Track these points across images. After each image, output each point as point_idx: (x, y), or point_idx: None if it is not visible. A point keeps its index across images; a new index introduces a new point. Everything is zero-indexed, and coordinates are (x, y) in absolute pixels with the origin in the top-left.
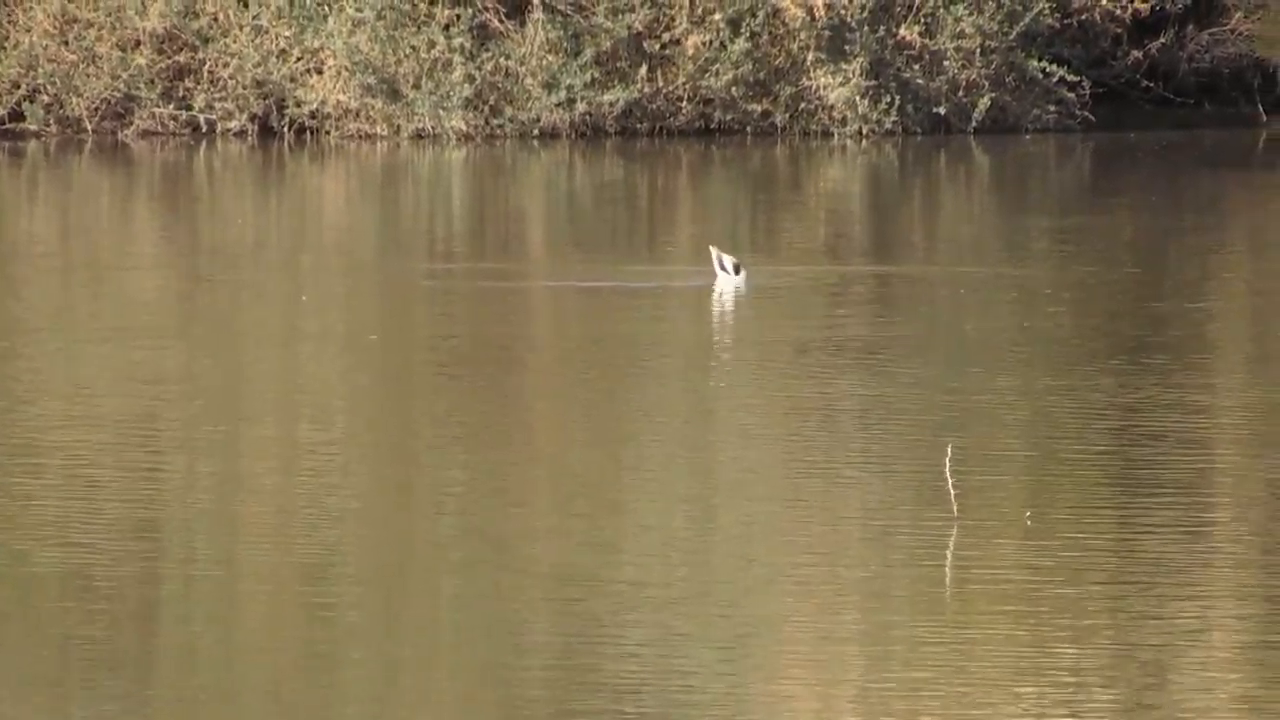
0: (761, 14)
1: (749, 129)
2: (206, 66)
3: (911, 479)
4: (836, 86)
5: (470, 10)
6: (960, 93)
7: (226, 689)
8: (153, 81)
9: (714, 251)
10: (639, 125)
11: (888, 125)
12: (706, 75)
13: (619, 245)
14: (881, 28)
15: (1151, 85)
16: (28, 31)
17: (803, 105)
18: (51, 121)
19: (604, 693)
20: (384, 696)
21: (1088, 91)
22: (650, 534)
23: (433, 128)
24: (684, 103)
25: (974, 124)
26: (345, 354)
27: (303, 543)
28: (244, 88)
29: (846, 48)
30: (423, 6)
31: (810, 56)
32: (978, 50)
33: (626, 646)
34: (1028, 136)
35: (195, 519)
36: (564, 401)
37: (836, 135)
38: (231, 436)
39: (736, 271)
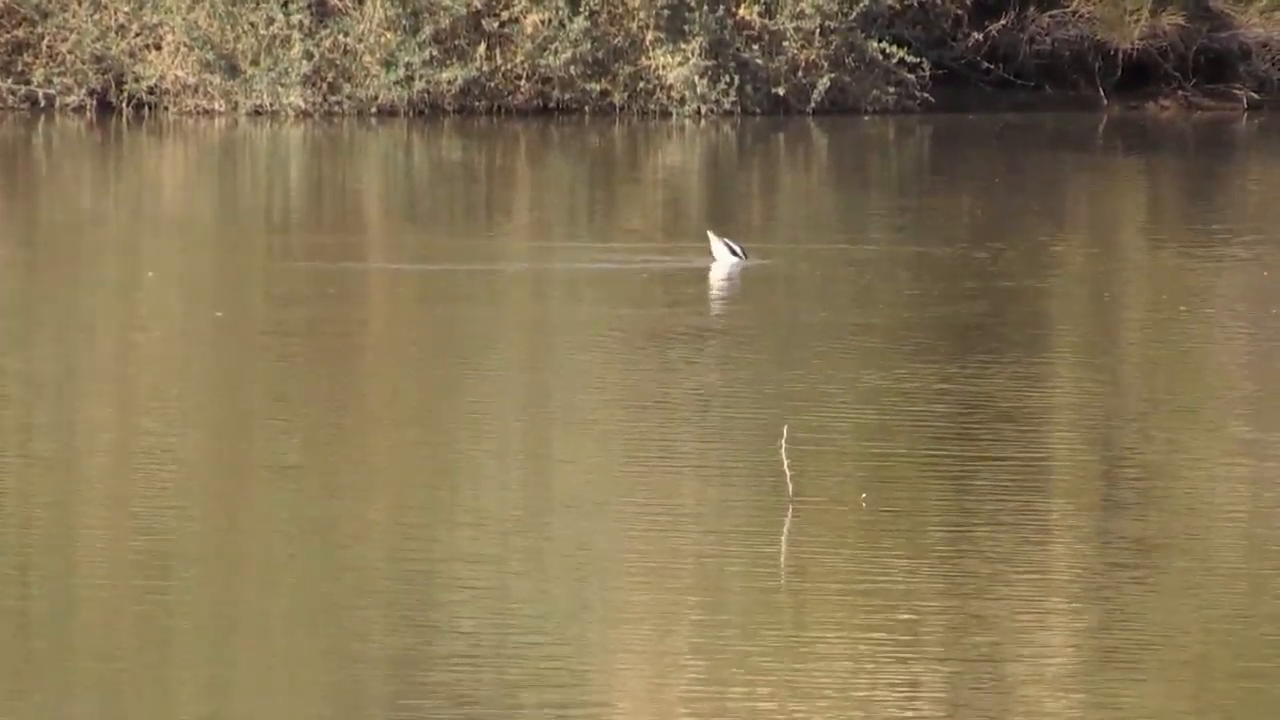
0: None
1: (587, 108)
2: (45, 41)
3: (748, 462)
4: (675, 66)
5: None
6: (799, 73)
7: (58, 682)
8: None
9: (711, 236)
10: (477, 104)
11: (726, 105)
12: (545, 54)
13: (456, 226)
14: (721, 7)
15: (992, 67)
16: None
17: (641, 85)
18: None
19: (438, 677)
20: (221, 676)
21: (928, 73)
22: (485, 516)
23: (271, 104)
24: (522, 81)
25: (813, 105)
26: (186, 332)
27: (136, 525)
28: (83, 63)
29: (685, 27)
30: None
31: (649, 36)
32: (817, 31)
33: (461, 630)
34: (867, 118)
35: (29, 498)
36: (400, 386)
37: (675, 115)
38: (69, 416)
39: (743, 255)
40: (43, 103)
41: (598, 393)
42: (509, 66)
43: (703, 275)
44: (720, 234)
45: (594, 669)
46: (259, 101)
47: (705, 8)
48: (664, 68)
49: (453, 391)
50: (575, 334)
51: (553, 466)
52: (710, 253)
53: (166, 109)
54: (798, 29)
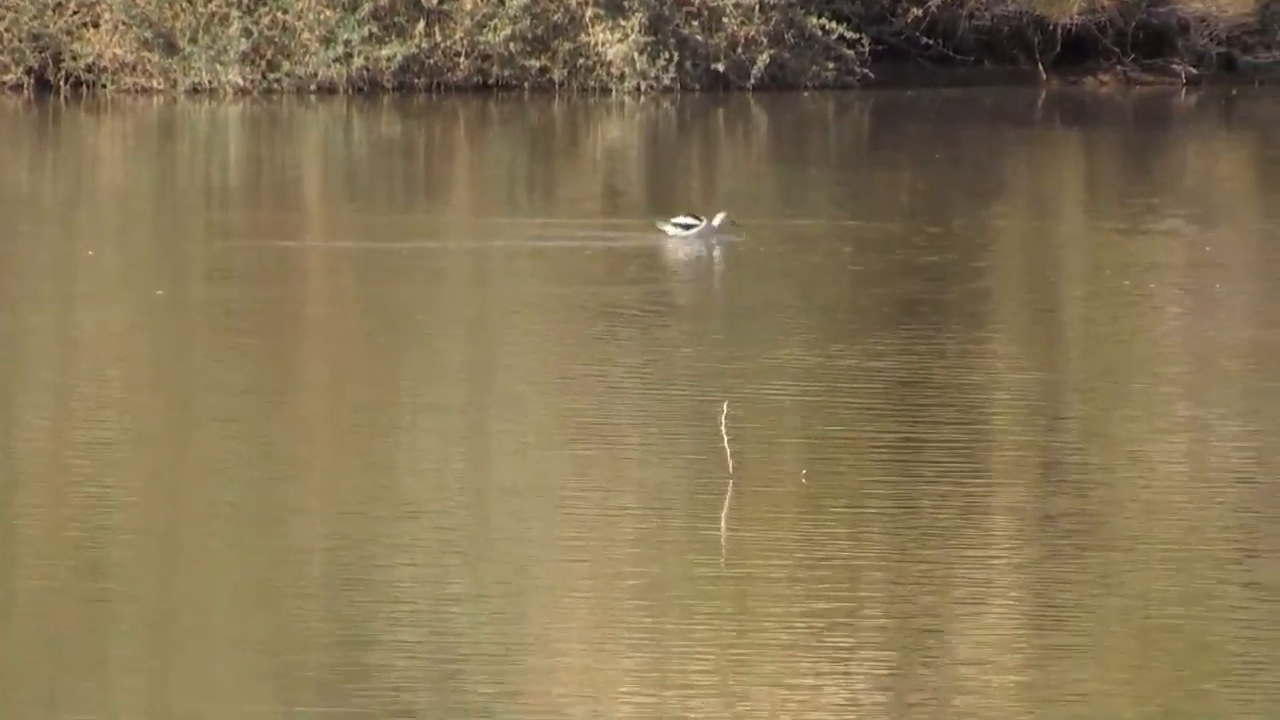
0: None
1: (527, 85)
2: None
3: (688, 439)
4: (615, 43)
5: None
6: (739, 49)
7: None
8: None
9: (662, 226)
10: (417, 81)
11: (666, 82)
12: (484, 31)
13: (396, 203)
14: None
15: (931, 43)
16: None
17: (581, 61)
18: None
19: (379, 658)
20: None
21: (867, 49)
22: (426, 496)
23: (209, 82)
24: (462, 58)
25: (753, 81)
26: (126, 311)
27: (74, 509)
28: (20, 41)
29: (625, 4)
30: None
31: (589, 12)
32: (756, 7)
33: (400, 612)
34: (806, 93)
35: None
36: (341, 366)
37: (615, 92)
38: (6, 393)
39: (702, 221)
40: None
41: (538, 371)
42: (448, 43)
43: (643, 252)
44: (667, 219)
45: (534, 647)
46: (197, 79)
47: None
48: (603, 44)
49: (393, 371)
50: (516, 312)
51: (493, 445)
52: (670, 236)
53: (105, 87)
54: (737, 5)
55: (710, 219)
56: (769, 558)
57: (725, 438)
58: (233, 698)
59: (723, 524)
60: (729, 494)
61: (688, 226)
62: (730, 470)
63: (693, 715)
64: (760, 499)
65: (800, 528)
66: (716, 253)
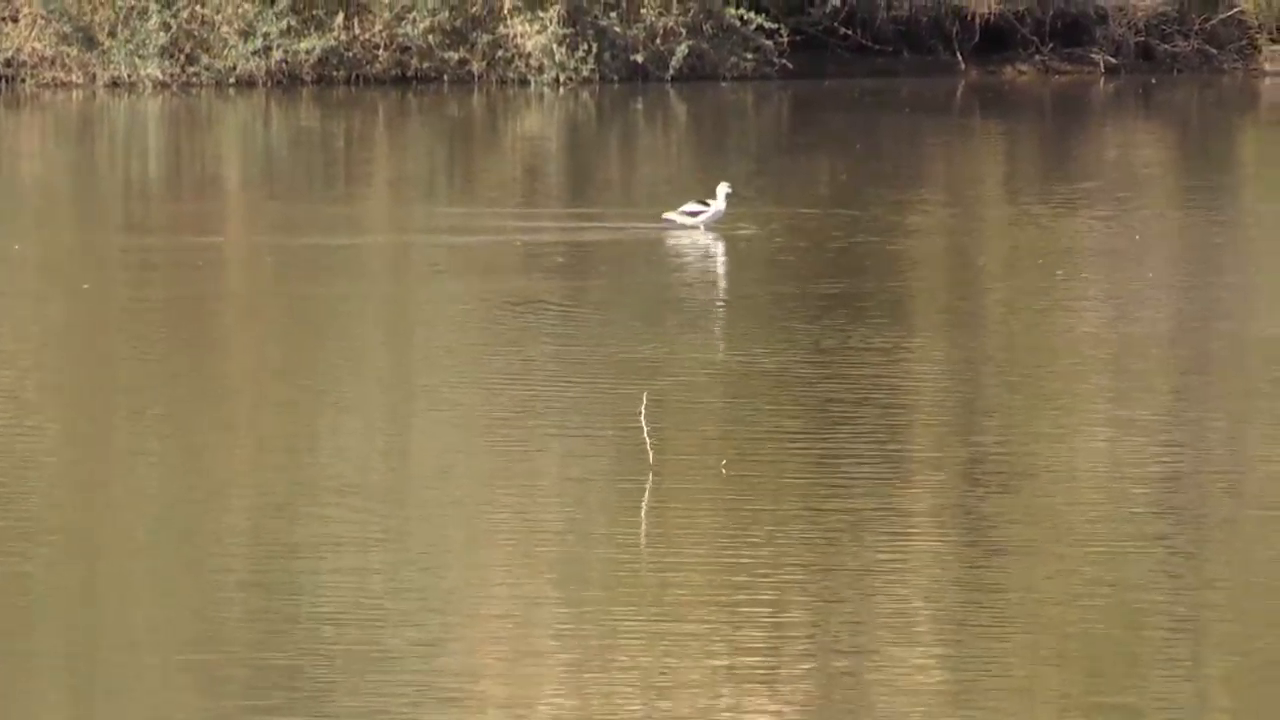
0: None
1: (446, 77)
2: None
3: (609, 431)
4: (534, 34)
5: None
6: (658, 40)
7: None
8: None
9: (669, 216)
10: (336, 73)
11: (585, 73)
12: (403, 23)
13: (316, 197)
14: None
15: (850, 33)
16: None
17: (500, 53)
18: None
19: (302, 648)
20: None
21: (785, 39)
22: (348, 489)
23: (129, 76)
24: (381, 51)
25: (671, 72)
26: (53, 305)
27: None
28: None
29: None
30: None
31: (507, 4)
32: None
33: (323, 604)
34: (725, 84)
35: None
36: (263, 358)
37: (534, 83)
38: None
39: (706, 206)
40: None
41: (459, 364)
42: (367, 36)
43: (564, 244)
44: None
45: (456, 636)
46: (117, 73)
47: None
48: (522, 36)
49: (315, 364)
50: (437, 305)
51: (415, 439)
52: (684, 228)
53: (24, 81)
54: None
55: (715, 201)
56: (689, 546)
57: (645, 428)
58: (155, 685)
59: (643, 512)
60: (649, 484)
61: (695, 214)
62: (650, 461)
63: (613, 705)
64: (680, 489)
65: (720, 517)
66: (720, 245)
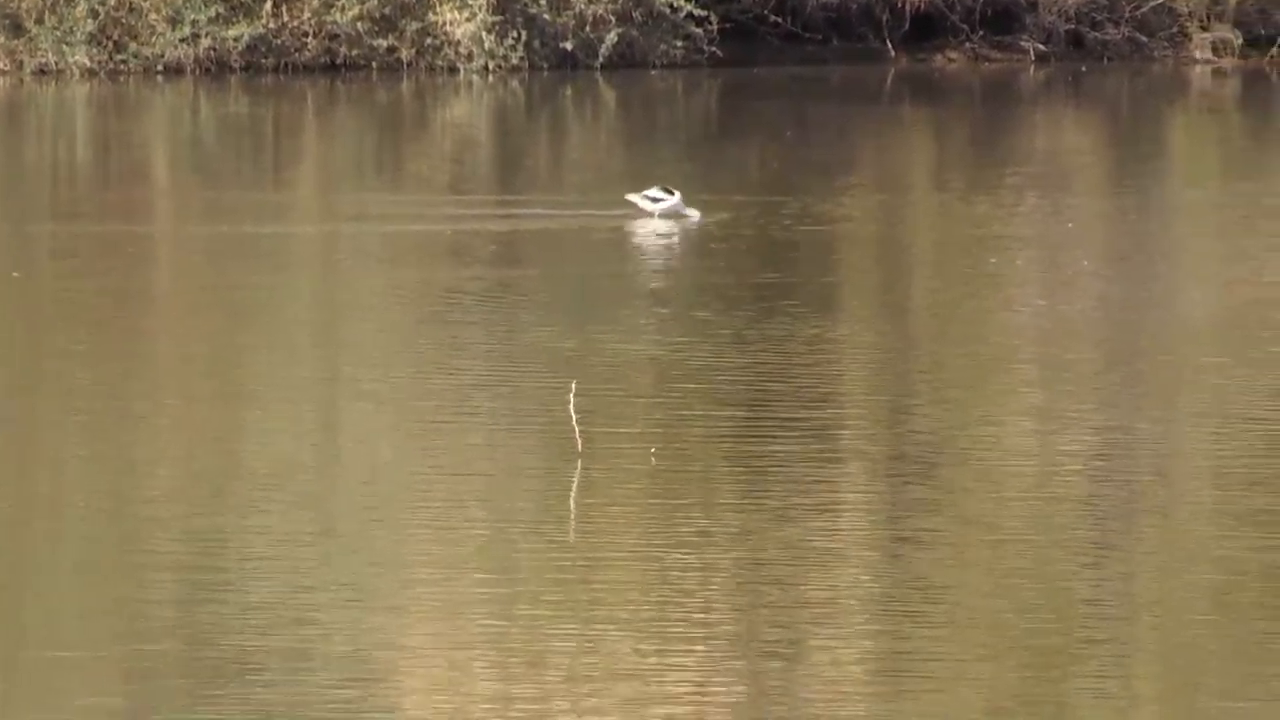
0: None
1: (375, 65)
2: None
3: (538, 420)
4: (463, 22)
5: None
6: (587, 28)
7: None
8: None
9: (631, 198)
10: (264, 61)
11: (514, 61)
12: (332, 10)
13: (245, 185)
14: None
15: (780, 20)
16: None
17: (429, 41)
18: None
19: (231, 642)
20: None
21: (715, 26)
22: (276, 481)
23: (56, 63)
24: (309, 38)
25: (601, 59)
26: None
27: None
28: None
29: None
30: None
31: None
32: None
33: (250, 597)
34: (655, 72)
35: None
36: (190, 349)
37: (463, 71)
38: None
39: (670, 195)
40: None
41: (388, 353)
42: (296, 24)
43: (493, 233)
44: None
45: (382, 627)
46: (44, 60)
47: None
48: (451, 24)
49: (243, 354)
50: (366, 295)
51: (343, 429)
52: (642, 212)
53: None
54: None
55: (678, 193)
56: (618, 533)
57: (574, 417)
58: (80, 685)
59: (572, 500)
60: (578, 472)
61: (656, 200)
62: (579, 449)
63: (541, 694)
64: (609, 478)
65: (649, 504)
66: (676, 234)
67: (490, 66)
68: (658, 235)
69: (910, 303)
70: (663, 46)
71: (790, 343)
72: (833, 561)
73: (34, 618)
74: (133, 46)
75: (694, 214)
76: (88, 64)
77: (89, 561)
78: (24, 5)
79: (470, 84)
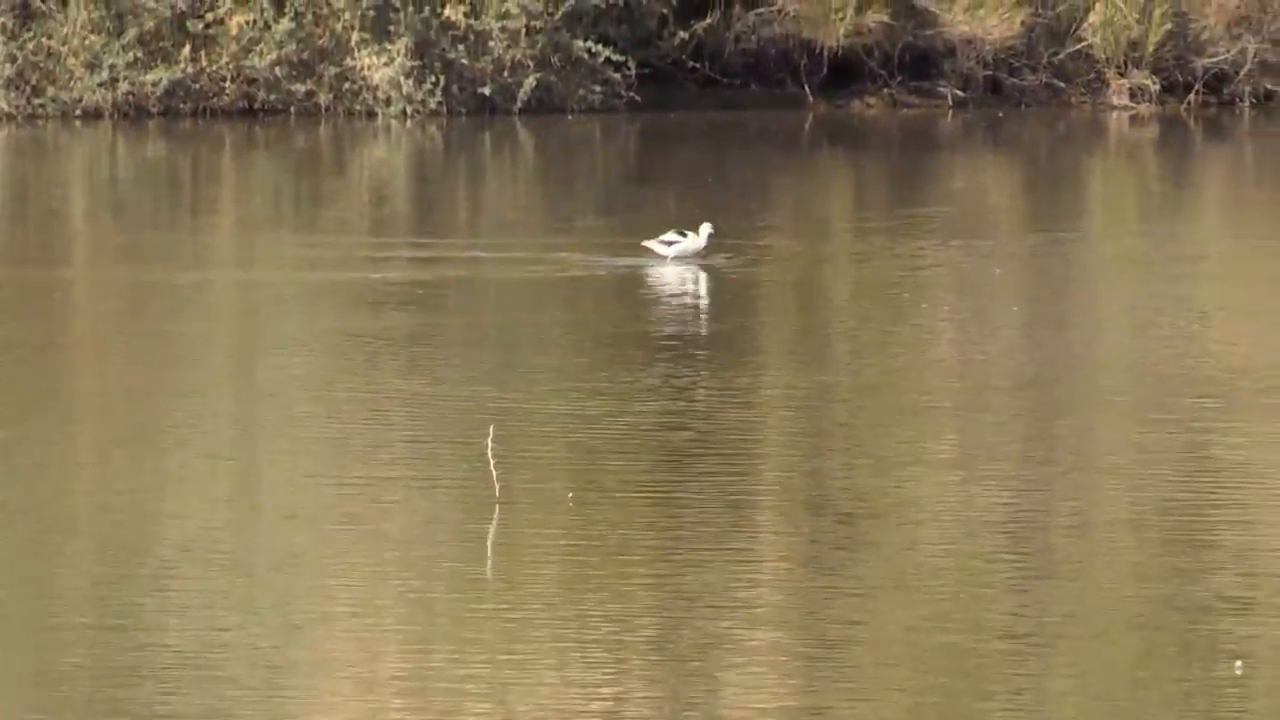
0: None
1: (293, 109)
2: None
3: (456, 466)
4: (381, 67)
5: None
6: (505, 73)
7: None
8: None
9: (648, 244)
10: (182, 105)
11: (432, 105)
12: (250, 55)
13: (162, 230)
14: (426, 7)
15: (698, 66)
16: None
17: (347, 85)
18: None
19: (146, 687)
20: None
21: (633, 72)
22: (192, 527)
23: None
24: (227, 83)
25: (519, 104)
26: None
27: None
28: None
29: (391, 28)
30: None
31: (355, 36)
32: (523, 30)
33: (168, 640)
34: (573, 117)
35: None
36: (109, 399)
37: (381, 115)
38: None
39: (684, 237)
40: None
41: (306, 401)
42: (214, 68)
43: (410, 280)
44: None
45: (303, 673)
46: None
47: (410, 8)
48: (369, 68)
49: (161, 401)
50: (284, 343)
51: (262, 476)
52: (659, 255)
53: None
54: (503, 29)
55: (693, 235)
56: (536, 574)
57: (491, 461)
58: None
59: (489, 542)
60: (495, 516)
61: (670, 243)
62: (497, 493)
63: None
64: (527, 520)
65: (566, 546)
66: (702, 280)
67: (408, 111)
68: (677, 280)
69: (828, 347)
70: (581, 91)
71: (709, 388)
72: (748, 602)
73: None
74: (50, 91)
75: (702, 240)
76: (5, 108)
77: (1, 611)
78: None
79: (389, 128)
